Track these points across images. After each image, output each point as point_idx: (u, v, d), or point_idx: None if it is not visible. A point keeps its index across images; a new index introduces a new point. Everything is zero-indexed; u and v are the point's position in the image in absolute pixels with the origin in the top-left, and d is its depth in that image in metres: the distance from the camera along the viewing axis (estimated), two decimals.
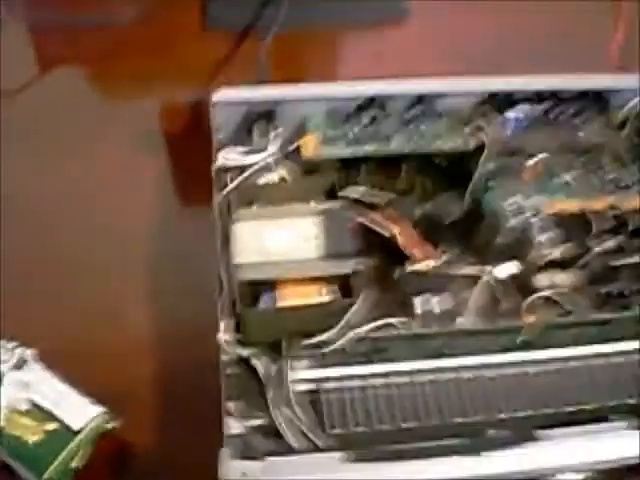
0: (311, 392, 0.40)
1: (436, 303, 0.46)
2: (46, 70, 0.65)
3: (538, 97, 0.51)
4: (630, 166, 0.51)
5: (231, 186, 0.46)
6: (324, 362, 0.40)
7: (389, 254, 0.48)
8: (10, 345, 0.46)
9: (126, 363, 0.50)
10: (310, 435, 0.38)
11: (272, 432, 0.39)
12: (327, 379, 0.40)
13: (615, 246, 0.48)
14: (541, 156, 0.50)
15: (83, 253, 0.54)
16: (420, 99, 0.50)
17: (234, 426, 0.39)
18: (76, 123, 0.60)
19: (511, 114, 0.50)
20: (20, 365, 0.46)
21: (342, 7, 0.67)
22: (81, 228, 0.55)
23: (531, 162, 0.50)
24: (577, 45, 0.64)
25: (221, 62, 0.64)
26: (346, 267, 0.42)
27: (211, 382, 0.49)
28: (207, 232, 0.55)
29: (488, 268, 0.47)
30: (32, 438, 0.43)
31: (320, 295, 0.42)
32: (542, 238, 0.47)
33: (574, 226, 0.48)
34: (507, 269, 0.48)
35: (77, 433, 0.44)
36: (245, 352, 0.41)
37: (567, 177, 0.50)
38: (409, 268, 0.47)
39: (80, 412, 0.44)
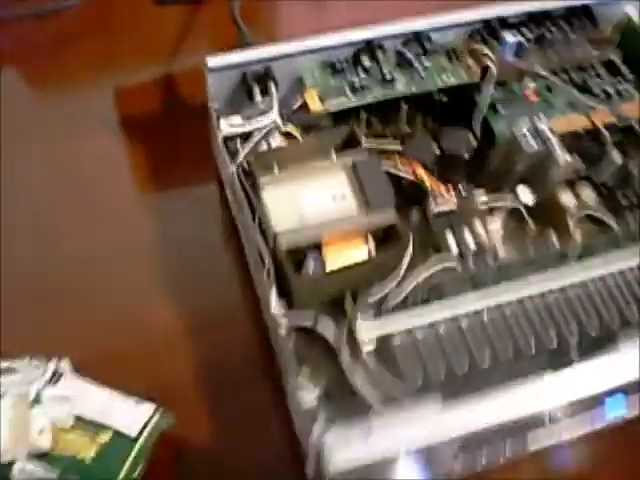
0: (383, 349, 0.39)
1: (469, 239, 0.46)
2: None
3: (529, 20, 0.51)
4: (626, 74, 0.51)
5: (245, 152, 0.44)
6: (389, 316, 0.39)
7: (405, 198, 0.47)
8: (40, 360, 0.43)
9: (160, 361, 0.47)
10: (393, 392, 0.37)
11: (344, 396, 0.38)
12: (396, 333, 0.39)
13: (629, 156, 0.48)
14: (540, 76, 0.50)
15: (85, 258, 0.51)
16: (414, 38, 0.49)
17: (310, 399, 0.38)
18: (36, 124, 0.56)
19: (510, 38, 0.49)
20: (56, 379, 0.43)
21: None
22: (70, 235, 0.52)
23: (533, 84, 0.50)
24: None
25: (180, 34, 0.61)
26: (388, 217, 0.41)
27: (250, 363, 0.48)
28: (199, 211, 0.53)
29: (510, 196, 0.47)
30: (88, 454, 0.41)
31: (364, 249, 0.40)
32: (564, 157, 0.47)
33: (585, 140, 0.49)
34: (527, 193, 0.48)
35: (135, 439, 0.41)
36: (306, 321, 0.39)
37: (570, 94, 0.50)
38: (436, 209, 0.47)
39: (132, 415, 0.42)
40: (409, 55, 0.48)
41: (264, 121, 0.45)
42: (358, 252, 0.40)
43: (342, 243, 0.41)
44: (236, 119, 0.46)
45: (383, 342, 0.39)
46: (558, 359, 0.38)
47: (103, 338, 0.47)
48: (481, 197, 0.48)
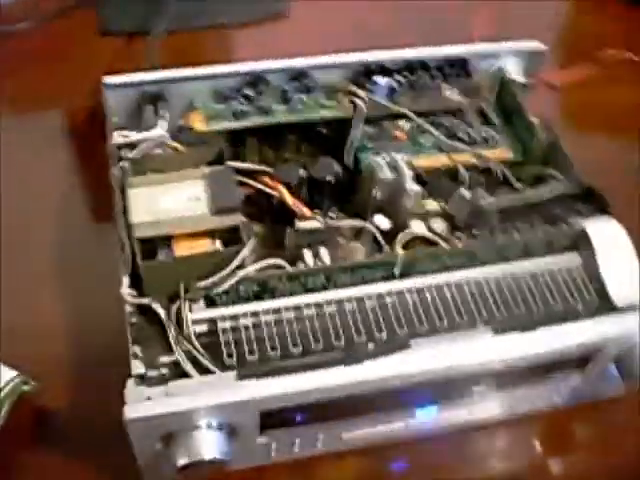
0: (208, 330, 0.45)
1: (325, 254, 0.53)
2: None
3: (407, 67, 0.59)
4: (494, 123, 0.59)
5: (126, 158, 0.52)
6: (218, 302, 0.46)
7: (279, 217, 0.55)
8: None
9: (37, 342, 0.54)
10: (209, 366, 0.44)
11: (175, 370, 0.45)
12: (222, 317, 0.46)
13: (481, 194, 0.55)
14: (411, 118, 0.57)
15: None
16: (299, 75, 0.57)
17: (140, 367, 0.44)
18: None
19: (382, 81, 0.57)
20: None
21: (225, 8, 0.76)
22: None
23: (401, 123, 0.57)
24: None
25: (115, 65, 0.70)
26: (232, 220, 0.48)
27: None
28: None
29: (370, 221, 0.54)
30: None
31: (208, 244, 0.48)
32: (414, 188, 0.54)
33: (444, 178, 0.56)
34: (384, 220, 0.55)
35: None
36: (145, 300, 0.46)
37: (435, 135, 0.57)
38: (298, 226, 0.54)
39: None
40: (289, 90, 0.56)
41: (151, 134, 0.54)
42: (203, 245, 0.48)
43: (190, 239, 0.48)
44: (129, 132, 0.54)
45: (208, 325, 0.45)
46: (352, 357, 0.44)
47: None
48: (343, 221, 0.55)
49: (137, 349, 0.45)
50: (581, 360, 0.49)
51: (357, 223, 0.54)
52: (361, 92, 0.56)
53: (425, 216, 0.54)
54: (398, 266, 0.49)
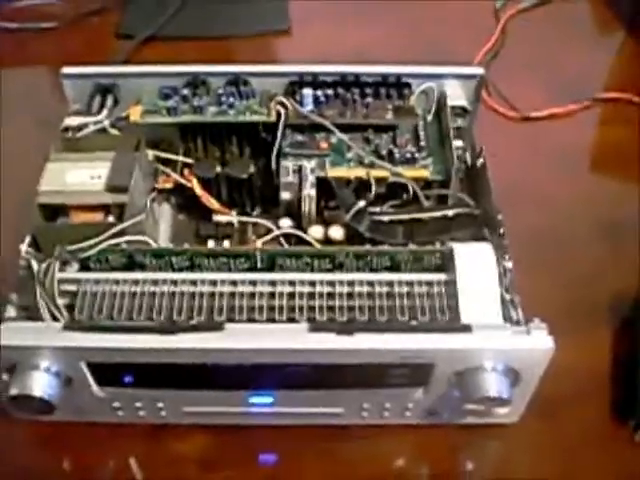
0: (73, 290, 0.54)
1: (226, 244, 0.60)
2: None
3: (342, 81, 0.65)
4: (423, 144, 0.63)
5: (60, 137, 0.62)
6: (91, 268, 0.55)
7: (195, 208, 0.62)
8: None
9: None
10: (60, 317, 0.52)
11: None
12: (86, 281, 0.54)
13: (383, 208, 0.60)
14: (336, 130, 0.63)
15: None
16: (237, 81, 0.65)
17: (11, 311, 0.53)
18: None
19: (309, 92, 0.64)
20: None
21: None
22: None
23: (330, 135, 0.63)
24: None
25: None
26: (120, 198, 0.56)
27: None
28: None
29: (275, 221, 0.61)
30: None
31: (98, 216, 0.56)
32: (310, 193, 0.59)
33: (350, 189, 0.61)
34: (287, 222, 0.61)
35: None
36: (26, 256, 0.55)
37: (355, 150, 0.62)
38: (212, 219, 0.61)
39: None
40: (223, 93, 0.63)
41: (89, 120, 0.63)
42: (95, 217, 0.56)
43: (87, 211, 0.57)
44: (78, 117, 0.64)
45: (76, 285, 0.54)
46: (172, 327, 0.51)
47: None
48: (250, 219, 0.62)
49: (14, 296, 0.54)
50: (420, 376, 0.52)
51: (263, 223, 0.61)
52: (287, 101, 0.63)
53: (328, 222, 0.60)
54: (258, 258, 0.55)
